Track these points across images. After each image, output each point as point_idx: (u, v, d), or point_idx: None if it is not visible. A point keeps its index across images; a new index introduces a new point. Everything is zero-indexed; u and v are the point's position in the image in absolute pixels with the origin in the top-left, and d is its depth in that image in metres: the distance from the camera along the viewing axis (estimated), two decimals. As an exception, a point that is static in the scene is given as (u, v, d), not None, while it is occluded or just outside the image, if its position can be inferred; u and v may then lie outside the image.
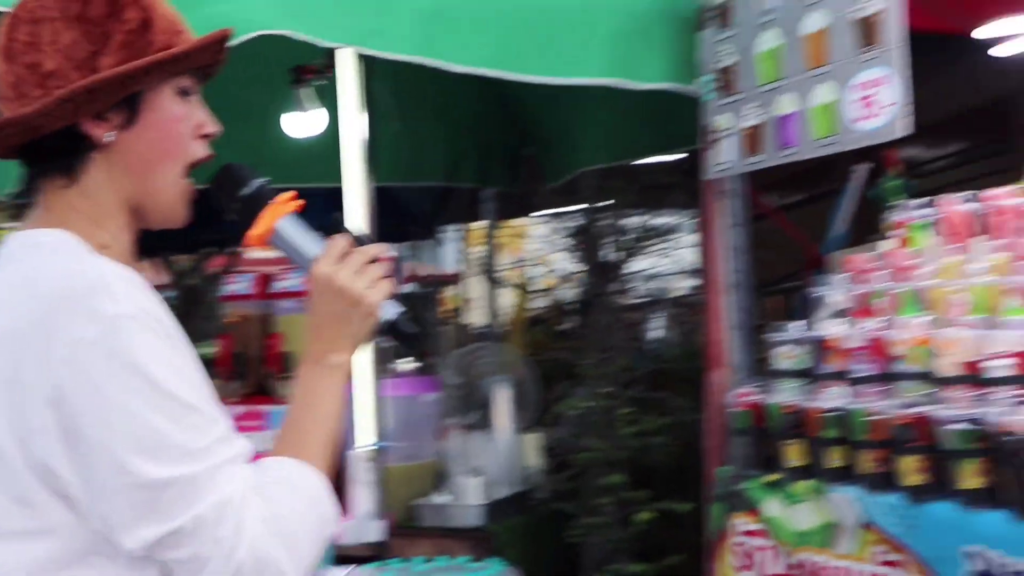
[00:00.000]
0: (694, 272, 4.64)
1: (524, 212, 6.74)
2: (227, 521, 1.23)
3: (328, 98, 3.97)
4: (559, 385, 4.25)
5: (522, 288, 6.16)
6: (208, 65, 1.43)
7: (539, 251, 6.52)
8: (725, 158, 2.93)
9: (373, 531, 3.63)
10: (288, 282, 4.23)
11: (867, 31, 2.51)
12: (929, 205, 2.85)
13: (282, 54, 3.76)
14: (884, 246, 3.06)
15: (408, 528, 3.87)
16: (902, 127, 2.44)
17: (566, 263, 4.95)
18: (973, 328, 2.39)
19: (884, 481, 2.41)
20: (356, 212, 3.80)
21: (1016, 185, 2.76)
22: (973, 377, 2.32)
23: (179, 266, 14.84)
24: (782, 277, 5.02)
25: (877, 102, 2.47)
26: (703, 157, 3.05)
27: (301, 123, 4.17)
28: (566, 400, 3.88)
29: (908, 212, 2.90)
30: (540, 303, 6.16)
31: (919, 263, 2.71)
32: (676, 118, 4.13)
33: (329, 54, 3.68)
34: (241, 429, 4.00)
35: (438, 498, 3.98)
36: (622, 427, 3.71)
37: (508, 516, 3.95)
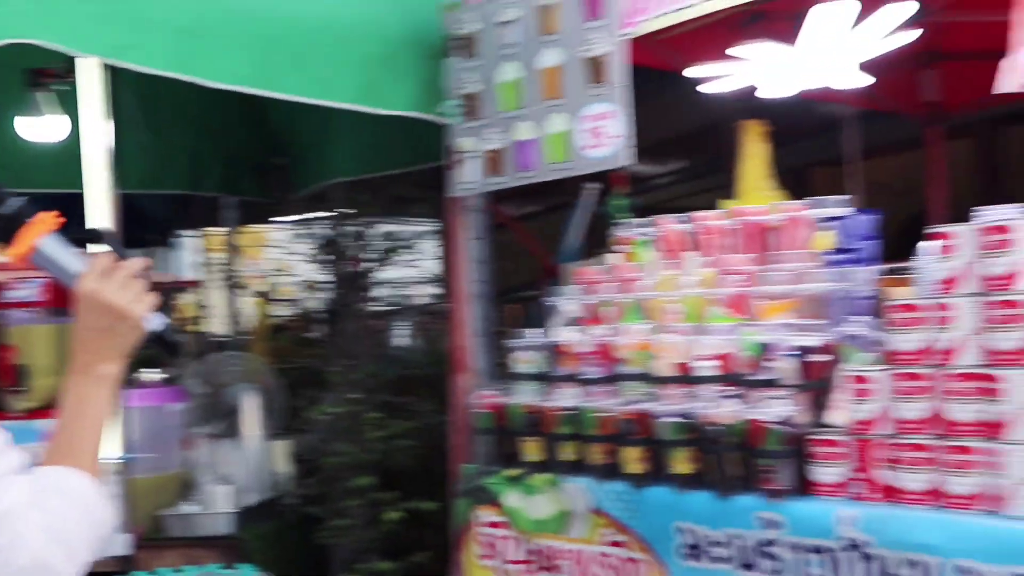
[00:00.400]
0: (437, 281, 4.90)
1: (267, 219, 6.79)
2: (5, 532, 1.32)
3: (71, 103, 3.94)
4: (307, 392, 4.38)
5: (265, 295, 6.20)
6: None
7: (282, 259, 6.57)
8: (469, 177, 3.19)
9: (117, 545, 3.64)
10: (20, 292, 4.14)
11: (596, 69, 2.84)
12: (650, 224, 3.22)
13: (16, 57, 3.72)
14: (611, 259, 3.41)
15: (155, 540, 3.89)
16: (625, 157, 2.78)
17: (310, 271, 5.07)
18: (685, 334, 2.76)
19: (611, 471, 2.74)
20: (98, 219, 3.79)
21: (722, 208, 3.18)
22: (684, 377, 2.68)
23: None
24: (520, 286, 5.37)
25: (604, 133, 2.80)
26: (448, 175, 3.30)
27: (38, 127, 4.11)
28: (315, 407, 4.02)
29: (632, 229, 3.26)
30: (284, 311, 6.23)
31: (641, 276, 3.07)
32: (423, 134, 4.39)
33: (69, 59, 3.67)
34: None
35: (186, 508, 4.03)
36: (370, 431, 3.89)
37: (257, 522, 4.05)
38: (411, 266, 4.54)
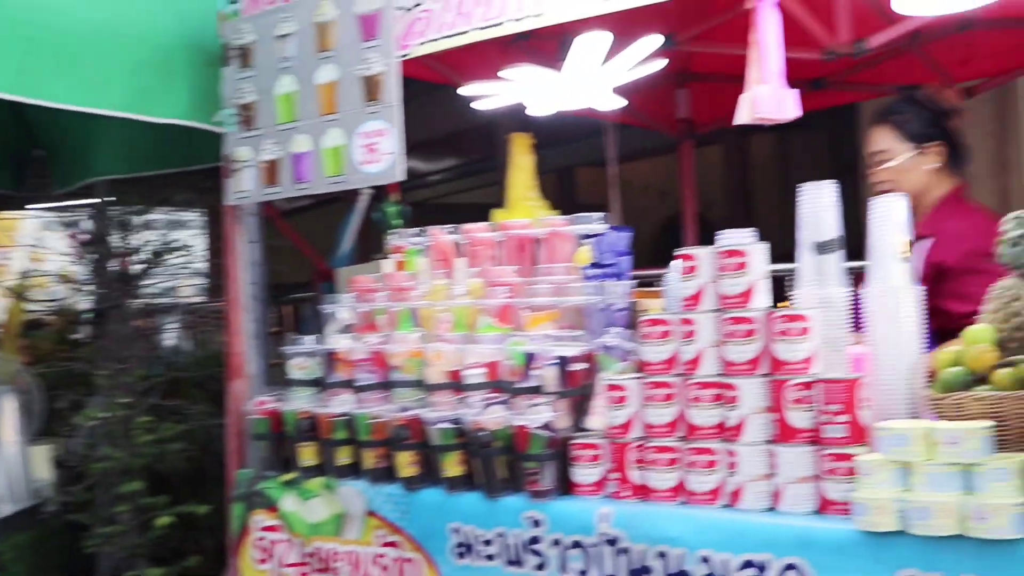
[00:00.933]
0: (208, 282, 4.85)
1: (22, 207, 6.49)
2: None
3: None
4: (68, 394, 4.25)
5: (18, 292, 5.93)
6: None
7: (36, 251, 6.29)
8: (245, 187, 3.21)
9: None
10: None
11: (371, 88, 2.92)
12: (422, 233, 3.33)
13: None
14: (384, 267, 3.51)
15: None
16: (399, 172, 2.89)
17: (66, 265, 4.90)
18: (455, 343, 2.89)
19: (384, 474, 2.84)
20: None
21: (492, 219, 3.33)
22: (455, 384, 2.81)
23: None
24: (293, 287, 5.38)
25: (379, 149, 2.90)
26: (223, 181, 3.30)
27: None
28: (80, 410, 3.92)
29: (405, 238, 3.36)
30: (38, 307, 5.97)
31: (413, 285, 3.18)
32: (197, 136, 4.33)
33: None
34: None
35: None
36: (139, 435, 3.83)
37: (15, 532, 3.92)
38: (181, 267, 4.48)
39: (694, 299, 2.44)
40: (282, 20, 3.12)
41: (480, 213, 3.53)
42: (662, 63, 3.52)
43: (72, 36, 3.08)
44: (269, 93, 3.14)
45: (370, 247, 4.56)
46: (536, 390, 2.67)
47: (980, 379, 2.19)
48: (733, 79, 4.88)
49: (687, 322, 2.43)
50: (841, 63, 3.80)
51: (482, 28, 2.75)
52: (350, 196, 4.36)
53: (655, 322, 2.49)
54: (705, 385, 2.38)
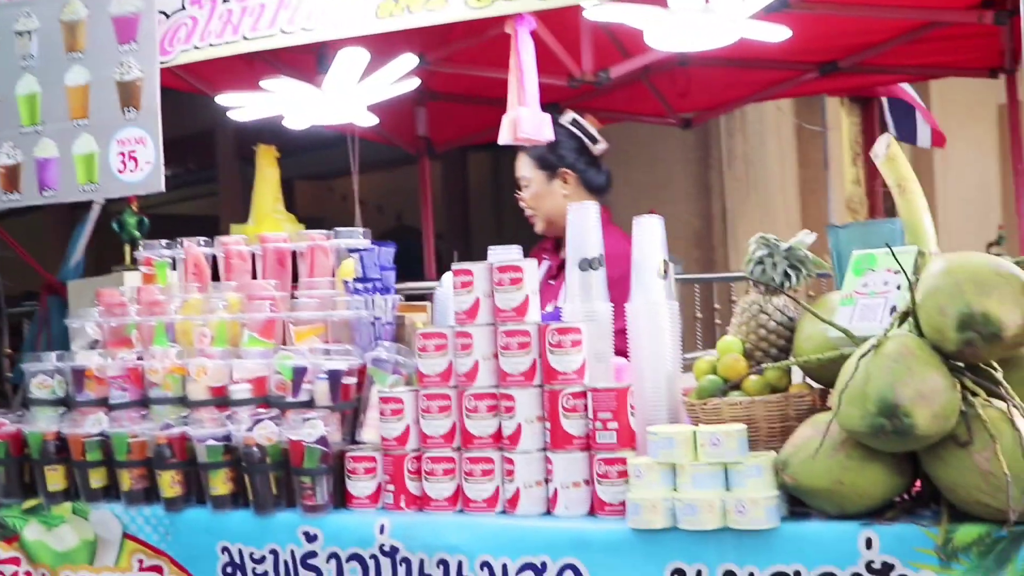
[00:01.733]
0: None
1: None
2: None
3: None
4: None
5: None
6: None
7: None
8: (-20, 193, 2.95)
9: None
10: None
11: (128, 94, 2.77)
12: (172, 245, 3.18)
13: None
14: (130, 279, 3.33)
15: None
16: (159, 183, 2.75)
17: None
18: (217, 357, 2.78)
19: (144, 495, 2.69)
20: None
21: (235, 232, 3.23)
22: (220, 400, 2.71)
23: None
24: (11, 301, 4.97)
25: (139, 158, 2.75)
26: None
27: None
28: None
29: (155, 250, 3.19)
30: None
31: (166, 298, 3.03)
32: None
33: None
34: None
35: None
36: None
37: None
38: None
39: (470, 313, 2.47)
40: (24, 16, 2.89)
41: (201, 225, 3.43)
42: (415, 82, 3.55)
43: None
44: (10, 93, 2.90)
45: (104, 259, 4.31)
46: (307, 404, 2.62)
47: (734, 386, 2.36)
48: (464, 99, 5.04)
49: (463, 335, 2.46)
50: (581, 89, 4.00)
51: (250, 39, 2.67)
52: (81, 205, 4.10)
53: (431, 335, 2.51)
54: (482, 396, 2.43)
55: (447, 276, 2.72)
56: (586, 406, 2.35)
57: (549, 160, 3.42)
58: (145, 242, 3.28)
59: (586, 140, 3.46)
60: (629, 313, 2.50)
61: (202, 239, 3.15)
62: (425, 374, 2.51)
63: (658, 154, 6.95)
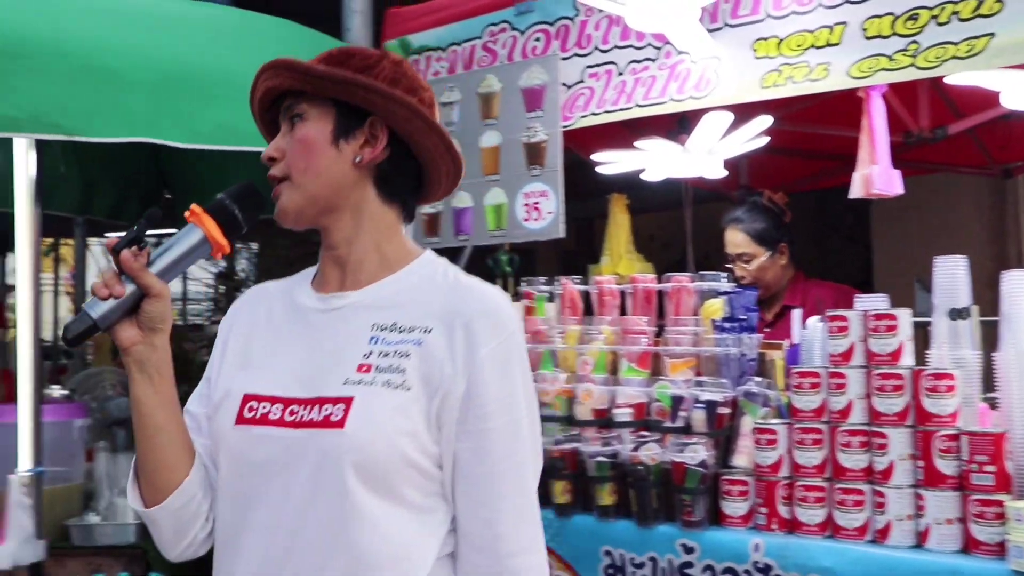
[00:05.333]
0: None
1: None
2: None
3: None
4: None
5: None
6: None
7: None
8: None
9: (34, 552, 3.46)
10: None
11: (534, 154, 2.96)
12: (550, 283, 3.35)
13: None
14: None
15: (61, 548, 3.70)
16: (560, 230, 2.92)
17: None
18: (600, 384, 2.91)
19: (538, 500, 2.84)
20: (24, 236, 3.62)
21: (593, 273, 3.37)
22: (603, 421, 2.83)
23: None
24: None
25: (542, 208, 2.93)
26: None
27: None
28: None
29: (535, 285, 3.37)
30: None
31: (547, 329, 3.20)
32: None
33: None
34: None
35: (90, 518, 3.84)
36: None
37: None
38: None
39: (845, 355, 2.46)
40: (447, 89, 3.16)
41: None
42: (766, 140, 3.58)
43: (211, 80, 3.01)
44: (433, 153, 3.17)
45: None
46: (684, 430, 2.69)
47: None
48: (788, 152, 4.97)
49: (838, 375, 2.46)
50: (915, 145, 3.89)
51: (643, 106, 2.79)
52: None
53: (806, 374, 2.52)
54: (855, 432, 2.41)
55: (813, 320, 2.72)
56: (959, 448, 2.29)
57: (771, 236, 3.67)
58: (527, 279, 3.49)
59: (783, 215, 3.72)
60: (999, 361, 2.41)
61: (576, 277, 3.31)
62: (799, 409, 2.52)
63: (951, 200, 6.62)
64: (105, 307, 1.39)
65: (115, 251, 1.41)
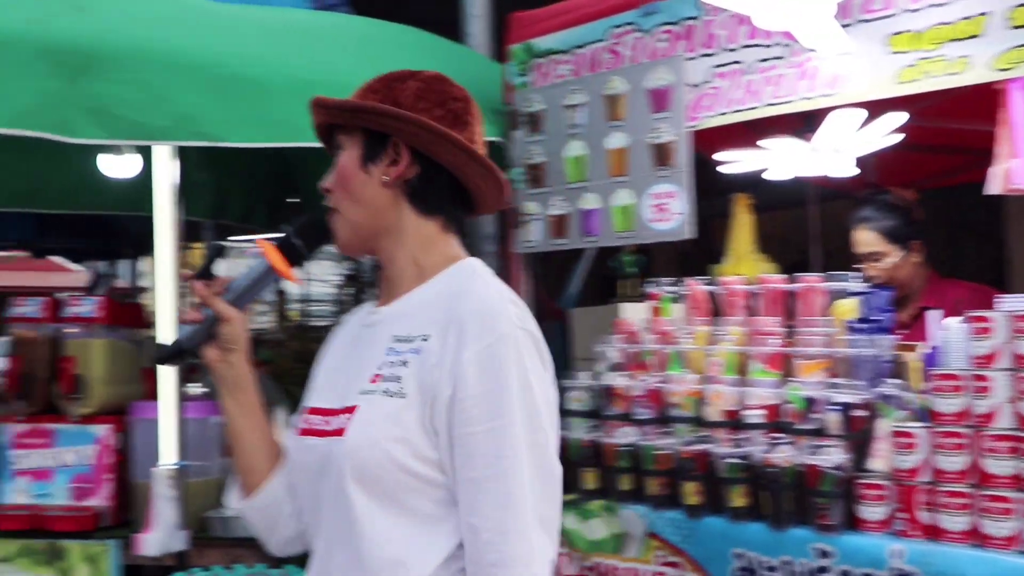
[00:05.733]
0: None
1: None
2: None
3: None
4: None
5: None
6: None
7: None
8: (532, 237, 3.26)
9: (178, 542, 3.61)
10: (79, 308, 4.04)
11: (660, 154, 2.95)
12: (676, 283, 3.33)
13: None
14: (626, 309, 3.52)
15: (202, 539, 3.84)
16: (688, 231, 2.89)
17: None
18: (730, 385, 2.88)
19: (667, 501, 2.83)
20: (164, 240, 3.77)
21: (715, 274, 3.32)
22: (734, 423, 2.79)
23: None
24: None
25: (669, 209, 2.91)
26: (510, 232, 3.36)
27: (116, 164, 4.05)
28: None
29: (661, 286, 3.36)
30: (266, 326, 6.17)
31: (675, 330, 3.18)
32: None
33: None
34: (27, 446, 3.80)
35: (228, 510, 3.98)
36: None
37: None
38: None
39: (988, 357, 2.38)
40: (572, 92, 3.17)
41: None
42: (900, 137, 3.48)
43: (343, 86, 3.10)
44: (558, 155, 3.19)
45: (589, 290, 4.58)
46: (817, 432, 2.64)
47: None
48: (916, 147, 4.82)
49: (981, 378, 2.38)
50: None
51: (774, 104, 2.75)
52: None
53: (947, 376, 2.45)
54: (1002, 438, 2.32)
55: (951, 321, 2.64)
56: (1116, 456, 2.19)
57: (902, 233, 3.57)
58: (651, 279, 3.47)
59: (912, 212, 3.62)
60: None
61: (702, 278, 3.28)
62: (940, 412, 2.45)
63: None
64: (188, 331, 1.58)
65: (190, 281, 1.58)
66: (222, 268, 1.65)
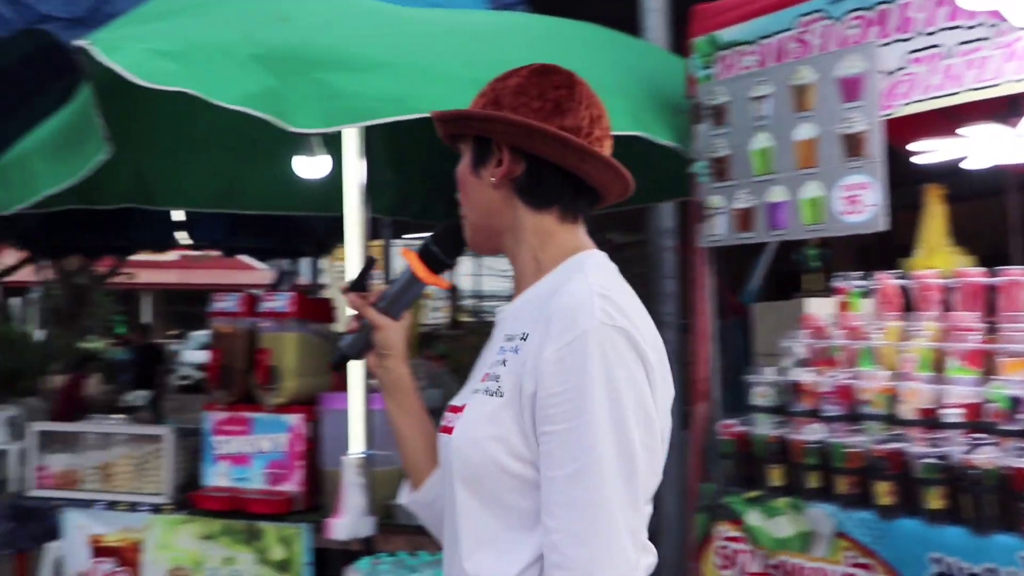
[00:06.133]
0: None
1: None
2: None
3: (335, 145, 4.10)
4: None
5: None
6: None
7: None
8: (717, 231, 3.24)
9: (366, 527, 3.76)
10: (273, 303, 4.27)
11: (852, 145, 2.87)
12: (865, 277, 3.24)
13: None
14: (810, 304, 3.44)
15: (387, 525, 3.99)
16: (882, 223, 2.81)
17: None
18: (925, 382, 2.78)
19: (857, 500, 2.76)
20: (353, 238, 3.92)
21: (906, 267, 3.20)
22: (930, 421, 2.70)
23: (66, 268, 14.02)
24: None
25: (861, 201, 2.84)
26: (691, 227, 3.35)
27: (309, 165, 4.27)
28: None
29: (848, 280, 3.27)
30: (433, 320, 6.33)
31: (865, 325, 3.09)
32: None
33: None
34: (226, 433, 4.01)
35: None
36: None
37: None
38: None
39: None
40: (758, 83, 3.13)
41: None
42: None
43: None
44: (743, 148, 3.16)
45: (779, 285, 4.50)
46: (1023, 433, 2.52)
47: None
48: None
49: None
50: None
51: (977, 89, 2.64)
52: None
53: None
54: None
55: None
56: None
57: None
58: (839, 273, 3.39)
59: None
60: None
61: (892, 271, 3.18)
62: None
63: None
64: (348, 339, 1.68)
65: (344, 293, 1.66)
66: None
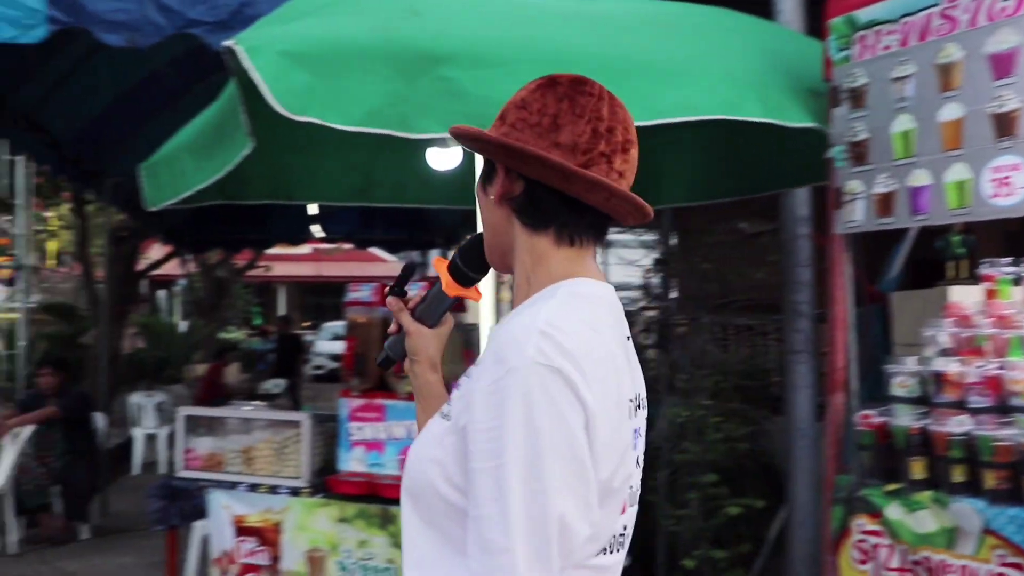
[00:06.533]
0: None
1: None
2: None
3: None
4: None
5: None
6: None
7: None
8: (856, 217, 3.16)
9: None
10: (359, 294, 4.39)
11: (1003, 125, 2.76)
12: (1016, 264, 3.11)
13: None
14: (954, 292, 3.32)
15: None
16: (1035, 206, 2.69)
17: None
18: (1082, 374, 2.65)
19: (1008, 496, 2.66)
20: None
21: None
22: (1088, 415, 2.58)
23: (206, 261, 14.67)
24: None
25: (1013, 183, 2.72)
26: (828, 213, 3.28)
27: (442, 158, 4.36)
28: (664, 409, 4.08)
29: (997, 267, 3.15)
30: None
31: (1016, 313, 2.97)
32: (757, 167, 4.36)
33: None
34: (361, 420, 4.11)
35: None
36: (710, 433, 3.92)
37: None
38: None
39: None
40: (899, 63, 3.03)
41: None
42: None
43: (665, 67, 3.16)
44: (883, 131, 3.06)
45: (919, 273, 4.35)
46: None
47: None
48: None
49: None
50: None
51: None
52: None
53: None
54: None
55: None
56: None
57: None
58: (988, 260, 3.26)
59: None
60: None
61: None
62: None
63: None
64: (391, 342, 1.71)
65: (385, 297, 1.68)
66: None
